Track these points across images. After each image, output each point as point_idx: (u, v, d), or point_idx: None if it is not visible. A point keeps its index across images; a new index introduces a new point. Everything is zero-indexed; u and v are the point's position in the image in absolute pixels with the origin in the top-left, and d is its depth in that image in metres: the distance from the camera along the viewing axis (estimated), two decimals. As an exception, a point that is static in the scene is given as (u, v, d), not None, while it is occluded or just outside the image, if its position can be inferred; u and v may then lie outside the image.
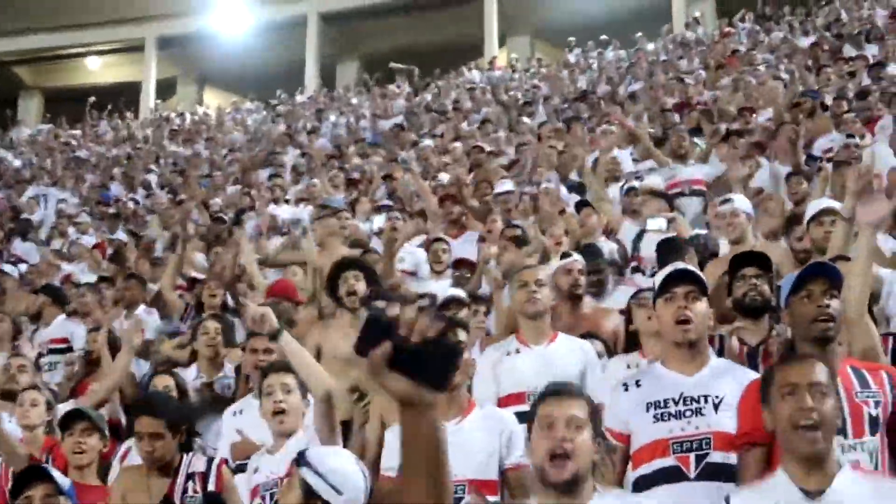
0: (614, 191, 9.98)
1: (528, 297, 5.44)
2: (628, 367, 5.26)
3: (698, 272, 4.27)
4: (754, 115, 12.42)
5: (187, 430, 5.42)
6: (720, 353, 4.83)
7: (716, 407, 4.02)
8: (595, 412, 3.48)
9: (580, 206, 9.16)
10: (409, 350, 1.93)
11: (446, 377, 1.97)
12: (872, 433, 3.83)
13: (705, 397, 4.04)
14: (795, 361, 3.52)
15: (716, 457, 3.97)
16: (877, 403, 3.87)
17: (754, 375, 4.22)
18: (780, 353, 4.89)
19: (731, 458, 3.97)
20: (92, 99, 28.51)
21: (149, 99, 34.70)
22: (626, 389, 4.17)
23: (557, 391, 3.48)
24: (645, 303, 5.25)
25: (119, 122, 28.40)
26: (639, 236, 8.21)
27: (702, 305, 4.14)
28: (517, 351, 5.44)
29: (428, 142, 16.78)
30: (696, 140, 11.07)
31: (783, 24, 22.31)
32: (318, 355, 6.53)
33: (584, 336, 5.85)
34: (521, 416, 4.35)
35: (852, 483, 3.31)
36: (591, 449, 3.33)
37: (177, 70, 37.26)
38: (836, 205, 6.29)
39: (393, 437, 4.57)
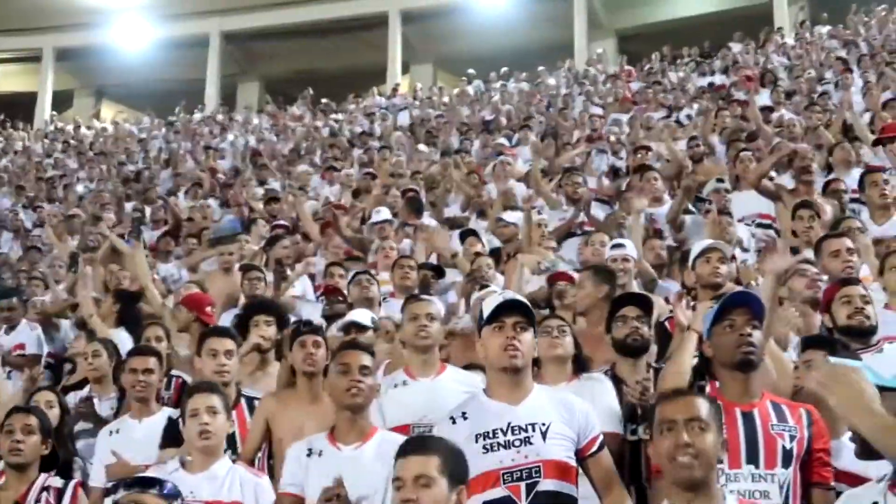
0: (512, 219, 10.04)
1: (418, 330, 5.42)
2: None
3: (527, 304, 4.32)
4: (649, 153, 12.57)
5: (55, 448, 5.36)
6: None
7: (543, 435, 4.06)
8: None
9: (465, 235, 9.25)
10: None
11: None
12: (785, 466, 3.91)
13: (532, 425, 4.08)
14: (675, 397, 3.55)
15: (546, 485, 4.01)
16: (792, 437, 3.95)
17: (579, 401, 4.31)
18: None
19: (563, 485, 4.04)
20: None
21: (44, 110, 34.05)
22: (454, 422, 4.17)
23: (405, 449, 3.60)
24: (549, 331, 5.30)
25: (13, 133, 27.88)
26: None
27: (528, 336, 4.17)
28: (404, 383, 5.41)
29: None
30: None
31: (680, 66, 22.78)
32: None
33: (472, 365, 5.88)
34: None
35: None
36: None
37: (74, 82, 36.64)
38: (721, 243, 6.48)
39: (293, 454, 4.57)
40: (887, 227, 7.54)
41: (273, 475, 5.45)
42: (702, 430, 3.36)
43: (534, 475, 4.01)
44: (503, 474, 4.01)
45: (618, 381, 5.36)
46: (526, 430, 4.06)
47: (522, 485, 4.00)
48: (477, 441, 4.04)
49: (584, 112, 18.31)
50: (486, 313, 4.22)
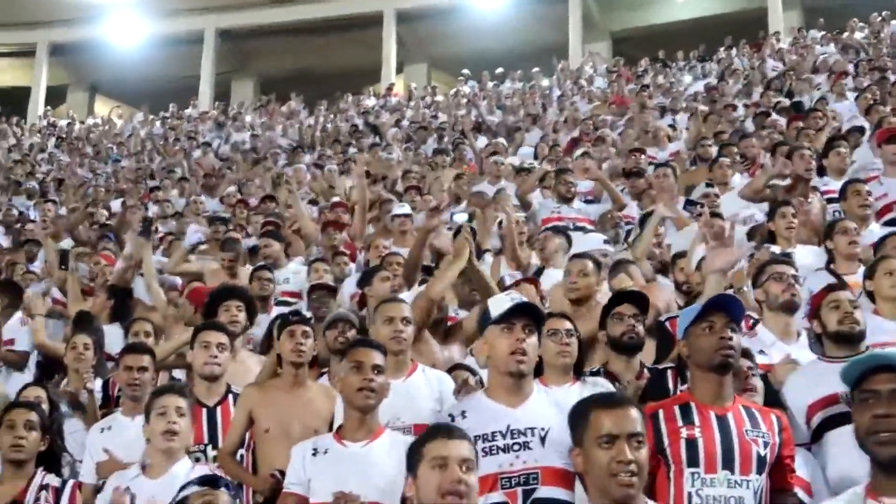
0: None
1: (394, 335, 5.34)
2: None
3: (540, 308, 4.28)
4: (643, 156, 12.57)
5: (52, 445, 5.32)
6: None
7: (542, 440, 4.02)
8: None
9: (458, 232, 9.23)
10: None
11: None
12: (759, 472, 3.89)
13: (532, 430, 4.04)
14: (612, 406, 3.51)
15: (543, 492, 3.97)
16: (765, 444, 3.94)
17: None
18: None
19: (559, 492, 3.98)
20: None
21: (38, 105, 33.94)
22: (453, 420, 4.08)
23: (449, 431, 3.55)
24: (558, 334, 5.11)
25: (6, 128, 27.82)
26: (539, 271, 8.42)
27: (534, 339, 4.14)
28: None
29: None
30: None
31: (675, 69, 22.81)
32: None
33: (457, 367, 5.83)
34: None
35: None
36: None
37: (68, 77, 36.50)
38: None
39: (298, 453, 4.53)
40: (865, 235, 7.57)
41: (255, 469, 5.45)
42: (639, 444, 3.39)
43: (531, 482, 3.97)
44: (501, 479, 3.97)
45: (612, 379, 5.32)
46: (525, 435, 4.02)
47: (519, 490, 3.96)
48: (477, 443, 3.94)
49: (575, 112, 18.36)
50: (494, 313, 4.17)
